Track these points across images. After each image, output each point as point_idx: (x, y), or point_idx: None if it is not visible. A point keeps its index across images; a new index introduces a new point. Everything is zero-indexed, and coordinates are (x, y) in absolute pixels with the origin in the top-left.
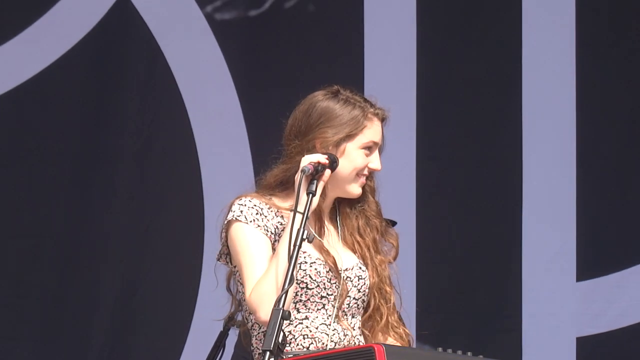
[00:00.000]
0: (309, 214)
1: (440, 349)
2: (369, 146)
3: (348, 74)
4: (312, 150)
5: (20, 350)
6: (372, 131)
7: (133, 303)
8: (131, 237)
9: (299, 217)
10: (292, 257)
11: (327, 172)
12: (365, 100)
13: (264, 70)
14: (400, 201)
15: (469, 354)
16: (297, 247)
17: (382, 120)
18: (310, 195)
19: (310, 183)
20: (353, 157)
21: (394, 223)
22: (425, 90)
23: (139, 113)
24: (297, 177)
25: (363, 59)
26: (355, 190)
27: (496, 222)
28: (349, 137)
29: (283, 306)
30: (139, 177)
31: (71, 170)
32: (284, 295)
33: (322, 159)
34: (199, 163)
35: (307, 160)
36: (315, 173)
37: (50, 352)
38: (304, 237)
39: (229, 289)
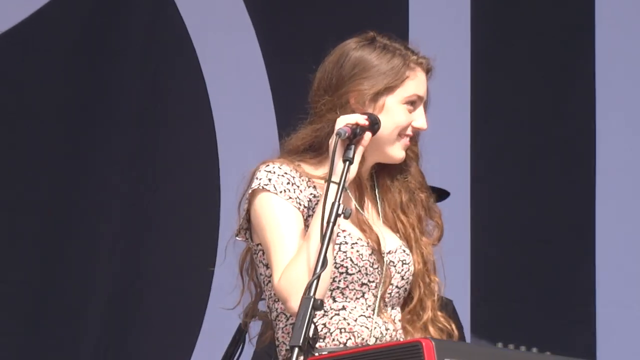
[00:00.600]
0: (346, 184)
1: (499, 345)
2: (413, 100)
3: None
4: (345, 106)
5: (9, 346)
6: (416, 83)
7: (133, 293)
8: (129, 215)
9: (333, 188)
10: (325, 236)
11: (368, 135)
12: (407, 48)
13: (290, 14)
14: (451, 171)
15: (534, 350)
16: (331, 225)
17: (427, 71)
18: (347, 162)
19: (347, 148)
20: (394, 113)
21: (446, 194)
22: (481, 41)
23: (140, 66)
24: (332, 141)
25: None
26: (398, 153)
27: (565, 197)
28: (389, 89)
29: (314, 294)
30: (140, 144)
31: (59, 137)
32: (315, 281)
33: (361, 119)
34: (213, 125)
35: (343, 122)
36: (353, 136)
37: (41, 348)
38: (340, 212)
39: (242, 272)
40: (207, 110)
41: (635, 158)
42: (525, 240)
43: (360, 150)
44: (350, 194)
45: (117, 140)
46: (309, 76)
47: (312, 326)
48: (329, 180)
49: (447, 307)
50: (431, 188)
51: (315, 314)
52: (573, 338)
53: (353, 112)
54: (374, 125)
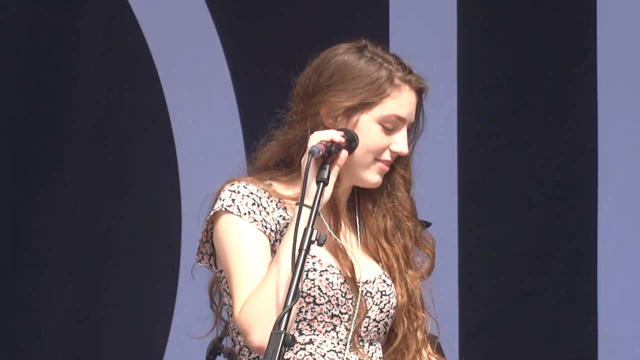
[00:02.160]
0: (320, 207)
1: None
2: (391, 121)
3: (368, 27)
4: (314, 117)
5: None
6: (398, 102)
7: (88, 326)
8: (85, 238)
9: (306, 212)
10: (297, 265)
11: (344, 153)
12: (399, 62)
13: (258, 17)
14: (438, 193)
15: None
16: (303, 253)
17: (418, 91)
18: (322, 184)
19: (321, 168)
20: (368, 134)
21: (427, 224)
22: (468, 50)
23: (95, 76)
24: (304, 160)
25: (388, 11)
26: (371, 178)
27: (562, 222)
28: (365, 105)
29: (285, 329)
30: (96, 160)
31: (6, 151)
32: (285, 315)
33: (337, 136)
34: (173, 140)
35: (317, 138)
36: (328, 155)
37: None
38: (313, 238)
39: (213, 303)
40: (166, 126)
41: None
42: (520, 269)
43: (335, 170)
44: (323, 217)
45: (69, 157)
46: (289, 80)
47: None
48: (300, 203)
49: (438, 345)
50: None
51: (285, 351)
52: None
53: (322, 125)
54: (350, 142)
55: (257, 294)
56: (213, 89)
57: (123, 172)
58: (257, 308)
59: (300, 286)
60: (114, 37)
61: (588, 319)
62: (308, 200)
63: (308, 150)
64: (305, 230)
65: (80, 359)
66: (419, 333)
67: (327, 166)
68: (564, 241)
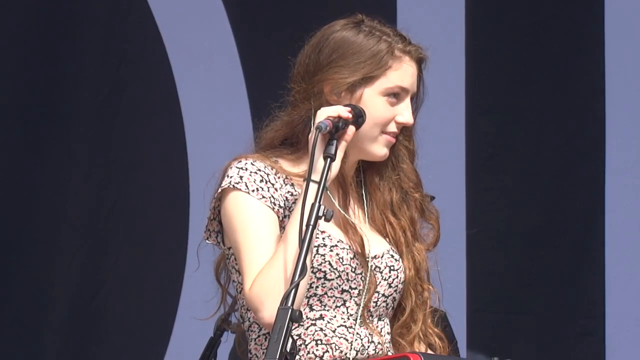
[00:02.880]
0: (328, 183)
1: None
2: (395, 92)
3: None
4: (318, 95)
5: None
6: (400, 73)
7: (95, 304)
8: (92, 218)
9: (313, 187)
10: (304, 241)
11: (351, 129)
12: (397, 34)
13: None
14: (445, 169)
15: None
16: (310, 228)
17: (418, 61)
18: (329, 159)
19: (328, 144)
20: (373, 107)
21: (431, 198)
22: (476, 27)
23: (102, 54)
24: (312, 135)
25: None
26: (378, 150)
27: (570, 197)
28: (368, 79)
29: (292, 305)
30: (103, 140)
31: (12, 131)
32: (292, 291)
33: (344, 111)
34: (182, 120)
35: (324, 114)
36: (335, 130)
37: None
38: (321, 214)
39: (219, 279)
40: (175, 105)
41: None
42: (528, 245)
43: (343, 145)
44: (330, 193)
45: (76, 140)
46: (291, 60)
47: (290, 340)
48: (308, 179)
49: (439, 318)
50: None
51: (293, 326)
52: (579, 353)
53: (327, 102)
54: (358, 118)
55: (267, 270)
56: (221, 66)
57: (131, 149)
58: (267, 284)
59: (310, 261)
60: (121, 13)
61: (596, 294)
62: (315, 176)
63: (315, 125)
64: (313, 205)
65: (87, 338)
66: (426, 306)
67: (335, 142)
68: (572, 216)
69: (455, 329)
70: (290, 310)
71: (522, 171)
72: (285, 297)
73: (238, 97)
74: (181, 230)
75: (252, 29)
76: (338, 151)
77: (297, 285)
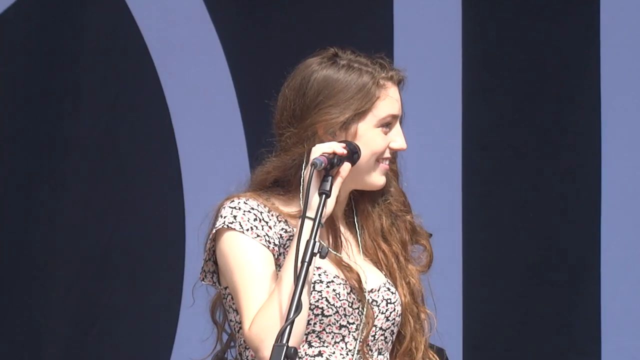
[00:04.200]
0: (323, 220)
1: None
2: (387, 122)
3: (372, 39)
4: (312, 138)
5: None
6: (388, 102)
7: (90, 340)
8: (87, 253)
9: (308, 224)
10: (299, 277)
11: (347, 165)
12: (374, 62)
13: (263, 30)
14: (442, 203)
15: None
16: (306, 265)
17: (399, 83)
18: (324, 196)
19: (323, 180)
20: (369, 140)
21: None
22: (472, 61)
23: (98, 89)
24: (306, 171)
25: (392, 20)
26: (377, 180)
27: (566, 233)
28: (359, 115)
29: (287, 341)
30: (98, 174)
31: (7, 165)
32: (288, 328)
33: (339, 148)
34: (177, 155)
35: (319, 151)
36: (330, 167)
37: None
38: (316, 250)
39: (214, 318)
40: (170, 140)
41: None
42: (524, 280)
43: (338, 182)
44: (321, 232)
45: (72, 169)
46: (270, 104)
47: None
48: (303, 216)
49: (440, 356)
50: None
51: None
52: None
53: (322, 143)
54: (353, 154)
55: (265, 309)
56: (217, 103)
57: (126, 184)
58: (266, 323)
59: (305, 298)
60: (116, 48)
61: (592, 331)
62: (310, 213)
63: (310, 162)
64: (308, 242)
65: None
66: (424, 330)
67: (330, 178)
68: (568, 252)
69: None
70: (285, 348)
71: (518, 207)
72: (281, 334)
73: (234, 134)
74: (177, 267)
75: (249, 65)
76: (333, 188)
77: (292, 322)
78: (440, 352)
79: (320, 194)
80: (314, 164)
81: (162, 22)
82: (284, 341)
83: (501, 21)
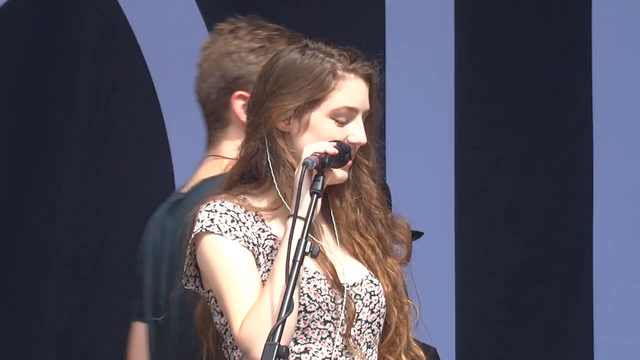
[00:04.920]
0: (313, 219)
1: None
2: (342, 113)
3: (365, 37)
4: (265, 124)
5: None
6: (345, 93)
7: (84, 340)
8: (82, 252)
9: (297, 224)
10: (291, 277)
11: (339, 172)
12: (341, 53)
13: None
14: (434, 203)
15: None
16: (297, 264)
17: (366, 78)
18: (315, 195)
19: (315, 180)
20: (322, 129)
21: (419, 234)
22: (465, 60)
23: (92, 89)
24: (298, 170)
25: (384, 19)
26: (338, 174)
27: (559, 232)
28: (312, 103)
29: (279, 340)
30: (93, 173)
31: (2, 162)
32: (279, 327)
33: (330, 147)
34: (170, 155)
35: (311, 150)
36: (322, 166)
37: None
38: (307, 250)
39: (201, 331)
40: (163, 141)
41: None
42: (517, 279)
43: (327, 182)
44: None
45: (65, 173)
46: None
47: None
48: (294, 215)
49: (431, 355)
50: None
51: None
52: None
53: (276, 129)
54: (344, 154)
55: (256, 310)
56: None
57: (120, 185)
58: (257, 324)
59: (295, 298)
60: (110, 48)
61: (584, 330)
62: (302, 212)
63: (302, 162)
64: (299, 241)
65: None
66: (408, 321)
67: (322, 178)
68: (560, 251)
69: None
70: (277, 347)
71: (511, 207)
72: (272, 334)
73: None
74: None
75: None
76: (323, 187)
77: (284, 321)
78: (426, 348)
79: (311, 194)
80: (305, 164)
81: (155, 22)
82: (276, 340)
83: (494, 20)
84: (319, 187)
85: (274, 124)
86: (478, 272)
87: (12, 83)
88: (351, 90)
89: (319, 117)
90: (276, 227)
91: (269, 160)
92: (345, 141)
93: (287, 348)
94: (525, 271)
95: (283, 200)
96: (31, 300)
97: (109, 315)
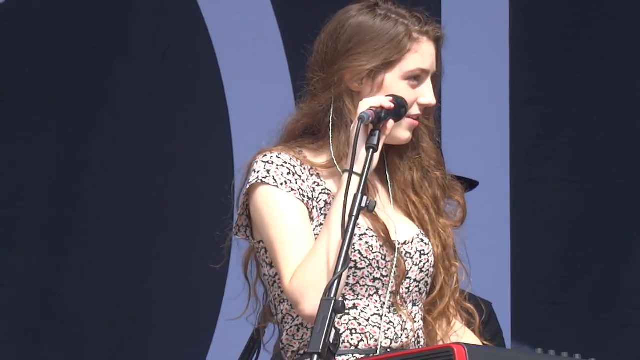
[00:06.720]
0: (369, 174)
1: (539, 350)
2: (416, 75)
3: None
4: (338, 83)
5: (12, 353)
6: (419, 56)
7: (141, 294)
8: (137, 207)
9: (354, 178)
10: (347, 232)
11: (390, 123)
12: (413, 15)
13: None
14: (489, 156)
15: (577, 356)
16: (353, 219)
17: (436, 40)
18: (371, 150)
19: (370, 134)
20: (395, 91)
21: (474, 184)
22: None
23: (148, 44)
24: (354, 125)
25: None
26: (402, 135)
27: (614, 186)
28: (387, 64)
29: (335, 295)
30: (149, 128)
31: (57, 117)
32: (335, 282)
33: (386, 102)
34: (227, 106)
35: (367, 105)
36: (377, 121)
37: (44, 355)
38: (363, 205)
39: (247, 275)
40: (219, 93)
41: None
42: (571, 235)
43: (383, 137)
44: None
45: (121, 130)
46: (308, 48)
47: (333, 331)
48: (350, 170)
49: (486, 309)
50: (457, 178)
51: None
52: (619, 341)
53: (348, 90)
54: (400, 108)
55: (308, 263)
56: (265, 56)
57: (175, 140)
58: (308, 277)
59: (350, 252)
60: (166, 2)
61: (638, 284)
62: (357, 167)
63: (357, 116)
64: (355, 196)
65: (130, 332)
66: (453, 283)
67: (378, 132)
68: (615, 205)
69: (500, 320)
70: (333, 301)
71: (566, 161)
72: (328, 288)
73: (282, 86)
74: (226, 224)
75: (296, 13)
76: (380, 142)
77: (340, 276)
78: (479, 305)
79: (367, 148)
80: (361, 118)
81: None
82: (332, 295)
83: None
84: (375, 142)
85: (346, 84)
86: (532, 227)
87: (68, 38)
88: (424, 53)
89: (393, 79)
90: (330, 183)
91: (332, 119)
92: (415, 103)
93: (343, 303)
94: (580, 226)
95: (335, 162)
96: (87, 255)
97: (163, 272)
